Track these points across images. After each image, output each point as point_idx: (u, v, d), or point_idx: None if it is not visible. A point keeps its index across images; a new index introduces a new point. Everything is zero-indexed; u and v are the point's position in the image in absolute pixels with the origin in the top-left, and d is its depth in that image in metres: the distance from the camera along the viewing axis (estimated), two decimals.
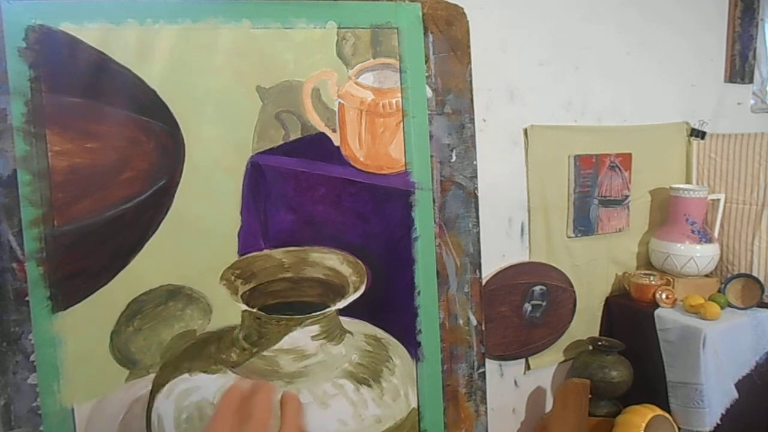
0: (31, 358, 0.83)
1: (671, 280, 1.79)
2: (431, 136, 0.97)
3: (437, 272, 0.98)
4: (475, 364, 1.01)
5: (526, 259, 1.72)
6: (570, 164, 1.74)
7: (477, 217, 1.01)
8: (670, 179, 1.94)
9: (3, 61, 0.80)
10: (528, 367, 1.76)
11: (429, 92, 0.96)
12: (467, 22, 0.99)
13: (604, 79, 1.81)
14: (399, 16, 0.94)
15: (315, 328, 0.92)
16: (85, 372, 0.85)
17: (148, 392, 0.87)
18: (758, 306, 1.71)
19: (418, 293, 0.96)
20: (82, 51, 0.83)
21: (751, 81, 2.17)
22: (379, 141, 0.97)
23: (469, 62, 0.99)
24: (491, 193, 1.50)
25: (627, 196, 1.86)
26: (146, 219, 0.87)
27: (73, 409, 0.85)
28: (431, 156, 0.97)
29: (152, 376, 0.88)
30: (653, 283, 1.77)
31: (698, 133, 1.99)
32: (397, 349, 0.96)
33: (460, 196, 0.99)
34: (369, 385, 0.93)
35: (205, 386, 0.88)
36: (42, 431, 0.83)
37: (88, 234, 0.84)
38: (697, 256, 1.77)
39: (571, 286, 1.78)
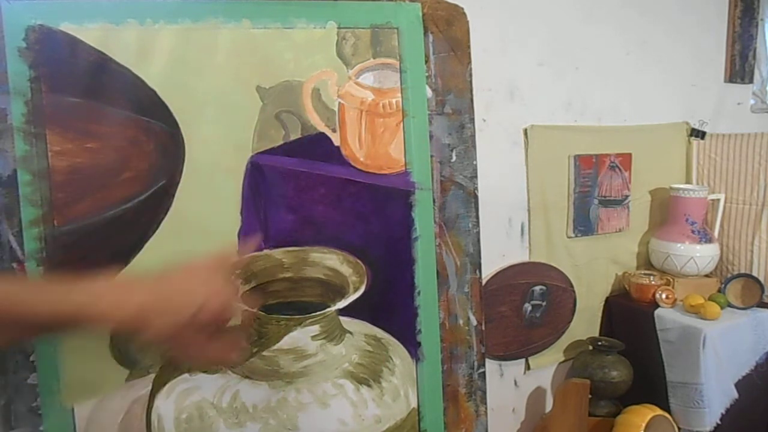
0: (31, 358, 0.82)
1: (671, 280, 1.79)
2: (431, 136, 0.97)
3: (437, 272, 0.98)
4: (475, 364, 1.01)
5: (526, 259, 1.71)
6: (570, 164, 1.74)
7: (477, 217, 1.01)
8: (670, 179, 1.94)
9: (3, 61, 0.80)
10: (528, 367, 1.76)
11: (429, 92, 0.96)
12: (467, 22, 0.99)
13: (603, 79, 1.81)
14: (399, 16, 0.94)
15: (315, 328, 0.92)
16: (85, 372, 0.85)
17: (148, 392, 0.87)
18: (758, 306, 1.70)
19: (418, 293, 0.96)
20: (82, 51, 0.83)
21: (751, 81, 2.17)
22: (379, 141, 0.97)
23: (469, 62, 0.99)
24: (491, 193, 1.50)
25: (627, 196, 1.86)
26: (146, 219, 0.87)
27: (73, 409, 0.85)
28: (431, 156, 0.97)
29: (152, 376, 0.88)
30: (653, 283, 1.77)
31: (698, 133, 1.99)
32: (397, 349, 0.96)
33: (460, 196, 0.99)
34: (369, 385, 0.93)
35: (205, 386, 0.88)
36: (42, 431, 0.83)
37: (88, 234, 0.84)
38: (697, 256, 1.77)
39: (571, 286, 1.78)
